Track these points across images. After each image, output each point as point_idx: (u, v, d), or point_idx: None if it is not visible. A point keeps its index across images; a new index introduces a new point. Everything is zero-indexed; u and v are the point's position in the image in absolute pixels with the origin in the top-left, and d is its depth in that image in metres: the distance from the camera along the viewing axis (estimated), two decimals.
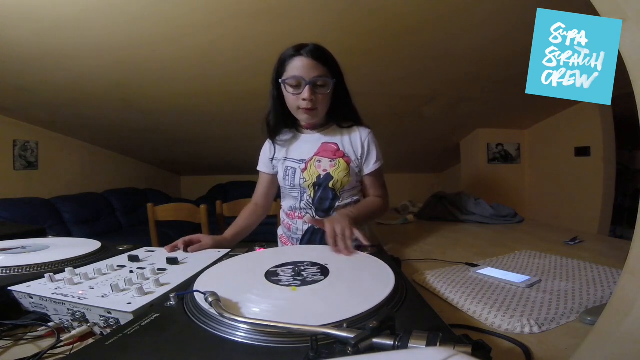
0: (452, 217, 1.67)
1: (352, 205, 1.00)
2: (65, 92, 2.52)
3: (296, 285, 0.51)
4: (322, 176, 0.94)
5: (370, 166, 0.99)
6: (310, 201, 0.97)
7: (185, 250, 0.81)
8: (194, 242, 0.84)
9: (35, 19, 1.72)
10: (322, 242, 0.97)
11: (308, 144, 0.98)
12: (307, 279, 0.53)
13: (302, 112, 0.90)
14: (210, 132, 3.41)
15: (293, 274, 0.55)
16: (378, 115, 2.90)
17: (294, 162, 0.98)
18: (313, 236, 0.98)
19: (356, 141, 0.97)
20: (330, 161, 0.95)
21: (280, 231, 1.10)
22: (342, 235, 0.71)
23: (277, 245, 1.07)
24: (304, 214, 0.98)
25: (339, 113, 0.97)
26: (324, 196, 0.96)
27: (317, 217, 0.96)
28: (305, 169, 0.96)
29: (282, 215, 1.07)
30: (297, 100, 0.89)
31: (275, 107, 0.96)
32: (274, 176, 1.05)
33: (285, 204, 1.04)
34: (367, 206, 0.97)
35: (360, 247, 0.73)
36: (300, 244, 1.00)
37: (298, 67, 0.86)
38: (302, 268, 0.57)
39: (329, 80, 0.88)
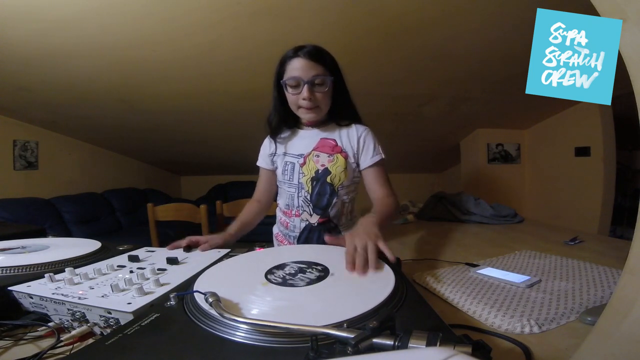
0: (452, 217, 1.67)
1: (349, 203, 1.01)
2: (65, 92, 2.52)
3: (292, 286, 0.51)
4: (320, 171, 0.96)
5: (368, 159, 0.97)
6: (308, 197, 0.98)
7: (188, 250, 0.80)
8: (201, 242, 0.83)
9: (35, 19, 1.72)
10: (319, 240, 0.97)
11: (306, 139, 0.99)
12: (308, 279, 0.53)
13: (303, 111, 0.93)
14: (210, 132, 3.41)
15: (293, 273, 0.55)
16: (378, 115, 2.90)
17: (293, 157, 0.99)
18: (310, 234, 0.99)
19: (353, 136, 0.98)
20: (329, 156, 0.96)
21: (275, 229, 1.10)
22: (362, 250, 0.59)
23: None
24: (301, 211, 0.99)
25: (338, 111, 0.99)
26: (322, 191, 0.96)
27: (316, 226, 0.98)
28: (304, 163, 0.97)
29: (279, 213, 1.07)
30: (297, 100, 0.92)
31: (276, 107, 0.98)
32: (274, 172, 1.06)
33: (282, 201, 1.04)
34: (386, 209, 0.89)
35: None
36: (297, 242, 1.01)
37: (296, 67, 0.89)
38: (303, 268, 0.57)
39: (326, 78, 0.90)
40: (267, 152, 1.04)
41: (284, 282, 0.52)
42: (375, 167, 0.98)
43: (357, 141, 0.97)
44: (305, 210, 0.98)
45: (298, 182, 0.98)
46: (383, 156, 0.98)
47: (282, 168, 1.00)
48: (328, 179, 0.95)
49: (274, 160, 1.03)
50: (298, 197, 0.99)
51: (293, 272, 0.56)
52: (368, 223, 0.72)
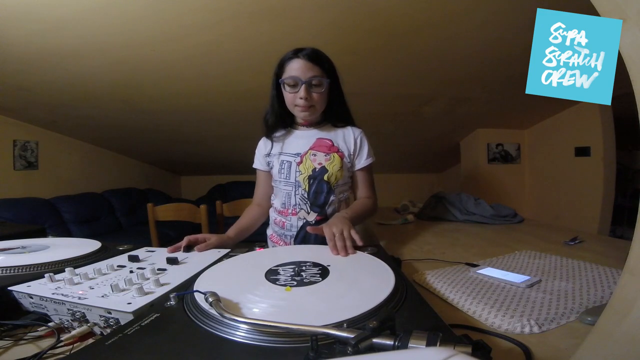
0: (452, 217, 1.67)
1: (344, 201, 1.04)
2: (65, 92, 2.52)
3: (293, 285, 0.51)
4: (317, 169, 0.99)
5: (362, 161, 1.04)
6: (305, 195, 0.99)
7: (187, 250, 0.80)
8: (199, 240, 0.84)
9: (35, 19, 1.72)
10: (317, 239, 0.97)
11: (303, 139, 1.02)
12: (307, 279, 0.53)
13: (299, 109, 0.96)
14: (210, 132, 3.41)
15: (293, 273, 0.55)
16: (378, 115, 2.90)
17: (290, 155, 1.01)
18: (308, 233, 0.99)
19: (349, 138, 1.03)
20: (325, 155, 1.00)
21: (269, 231, 1.11)
22: (340, 234, 0.72)
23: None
24: (298, 209, 1.00)
25: (333, 113, 1.03)
26: (319, 189, 0.99)
27: (313, 225, 0.98)
28: (301, 162, 0.99)
29: (273, 214, 1.08)
30: (294, 99, 0.95)
31: (274, 106, 1.01)
32: (271, 173, 1.06)
33: (277, 201, 1.05)
34: (360, 207, 1.00)
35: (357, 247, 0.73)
36: (295, 240, 1.01)
37: (295, 68, 0.92)
38: (302, 268, 0.58)
39: (323, 80, 0.94)
40: (262, 153, 1.06)
41: (280, 282, 0.52)
42: (366, 169, 1.05)
43: (353, 143, 1.02)
44: (302, 209, 1.00)
45: (295, 180, 0.99)
46: (374, 158, 1.05)
47: (279, 167, 1.01)
48: (325, 177, 0.98)
49: (269, 160, 1.04)
50: (295, 195, 1.00)
51: (293, 272, 0.56)
52: (340, 216, 0.86)
